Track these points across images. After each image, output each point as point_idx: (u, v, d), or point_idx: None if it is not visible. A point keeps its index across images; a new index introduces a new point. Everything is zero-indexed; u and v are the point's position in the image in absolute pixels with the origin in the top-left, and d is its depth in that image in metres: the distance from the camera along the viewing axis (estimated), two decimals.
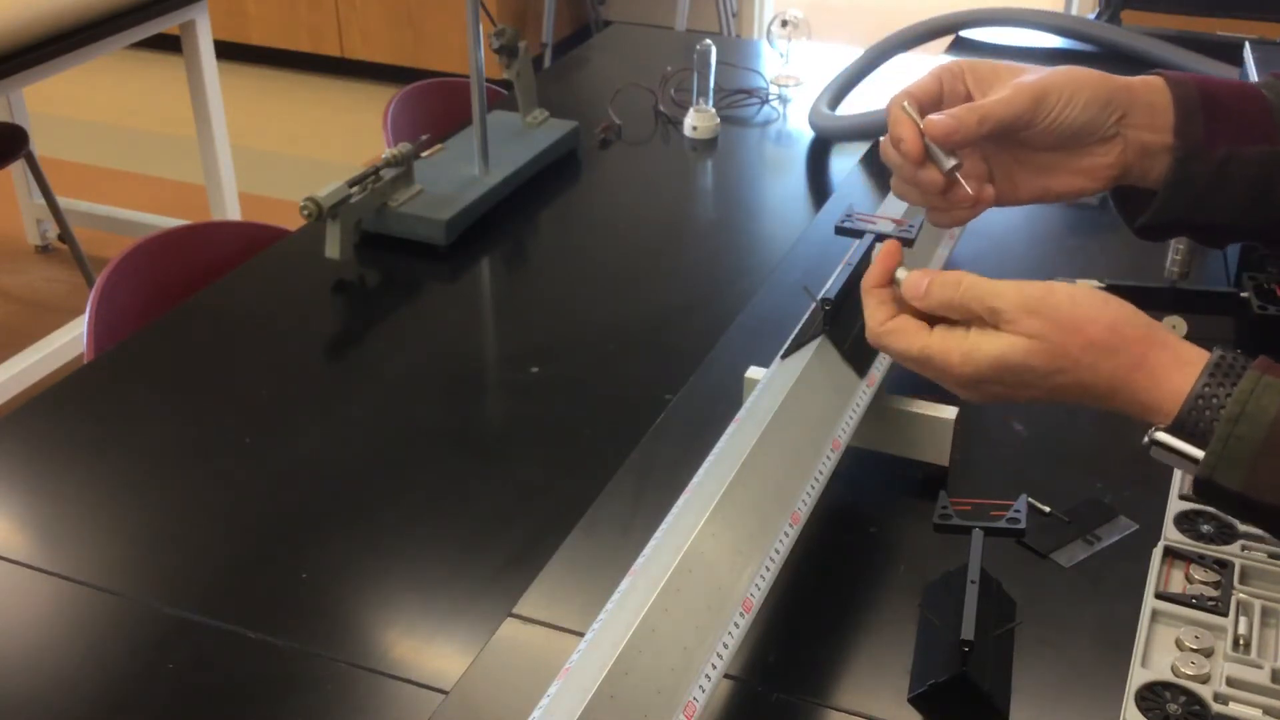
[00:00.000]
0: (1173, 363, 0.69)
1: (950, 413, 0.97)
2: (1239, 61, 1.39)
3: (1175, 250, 1.24)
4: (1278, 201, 0.83)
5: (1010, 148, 0.84)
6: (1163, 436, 0.68)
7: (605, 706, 0.63)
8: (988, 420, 1.06)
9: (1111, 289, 0.77)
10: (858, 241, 0.97)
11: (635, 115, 1.74)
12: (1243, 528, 0.89)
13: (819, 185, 1.59)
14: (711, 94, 1.70)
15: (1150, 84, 0.83)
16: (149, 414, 1.13)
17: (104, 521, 0.99)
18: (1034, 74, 0.82)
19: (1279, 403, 0.65)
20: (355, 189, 1.34)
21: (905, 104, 0.81)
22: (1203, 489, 0.68)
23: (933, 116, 0.80)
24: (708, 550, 0.73)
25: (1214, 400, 0.67)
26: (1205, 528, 0.90)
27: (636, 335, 1.25)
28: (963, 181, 0.81)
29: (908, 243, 0.97)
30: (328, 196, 1.30)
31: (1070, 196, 0.86)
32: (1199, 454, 0.66)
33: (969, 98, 0.83)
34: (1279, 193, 0.82)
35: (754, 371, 1.00)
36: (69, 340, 2.58)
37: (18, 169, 3.08)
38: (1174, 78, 0.83)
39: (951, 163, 0.80)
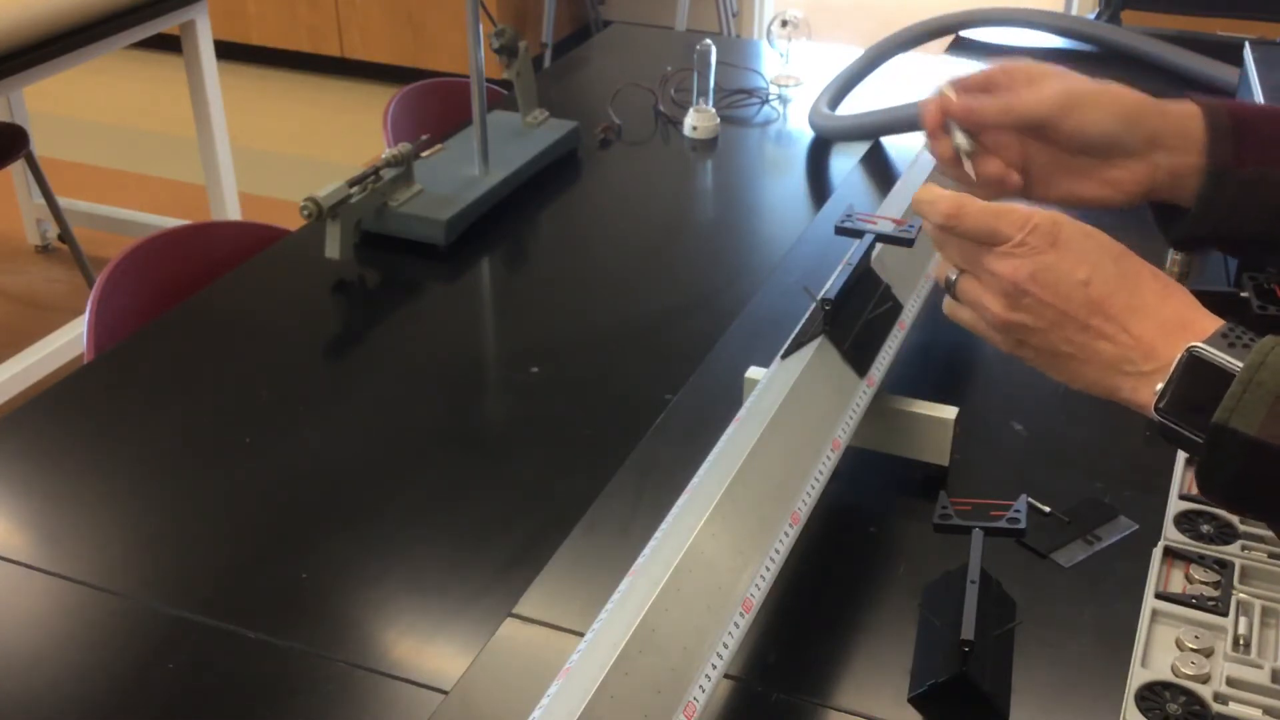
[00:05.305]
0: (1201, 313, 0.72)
1: (950, 413, 0.97)
2: (1239, 61, 1.39)
3: (1174, 250, 1.24)
4: None
5: (1048, 148, 0.88)
6: (1202, 349, 0.67)
7: (605, 706, 0.63)
8: (988, 420, 1.06)
9: None
10: (858, 241, 0.97)
11: (635, 115, 1.74)
12: (1243, 527, 0.89)
13: (819, 185, 1.59)
14: (711, 94, 1.70)
15: (1185, 109, 0.86)
16: (149, 414, 1.13)
17: (104, 521, 0.99)
18: (1079, 81, 0.87)
19: None
20: (355, 189, 1.34)
21: (944, 86, 0.89)
22: (1212, 439, 0.66)
23: (958, 94, 0.87)
24: (708, 550, 0.73)
25: (1238, 341, 0.67)
26: (1205, 528, 0.90)
27: (636, 335, 1.24)
28: (967, 163, 0.88)
29: (907, 243, 0.97)
30: (328, 196, 1.30)
31: (1096, 204, 0.89)
32: (1238, 365, 0.65)
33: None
34: None
35: (754, 371, 1.00)
36: (69, 340, 2.58)
37: (18, 169, 3.08)
38: (1207, 103, 0.87)
39: (960, 138, 0.88)
